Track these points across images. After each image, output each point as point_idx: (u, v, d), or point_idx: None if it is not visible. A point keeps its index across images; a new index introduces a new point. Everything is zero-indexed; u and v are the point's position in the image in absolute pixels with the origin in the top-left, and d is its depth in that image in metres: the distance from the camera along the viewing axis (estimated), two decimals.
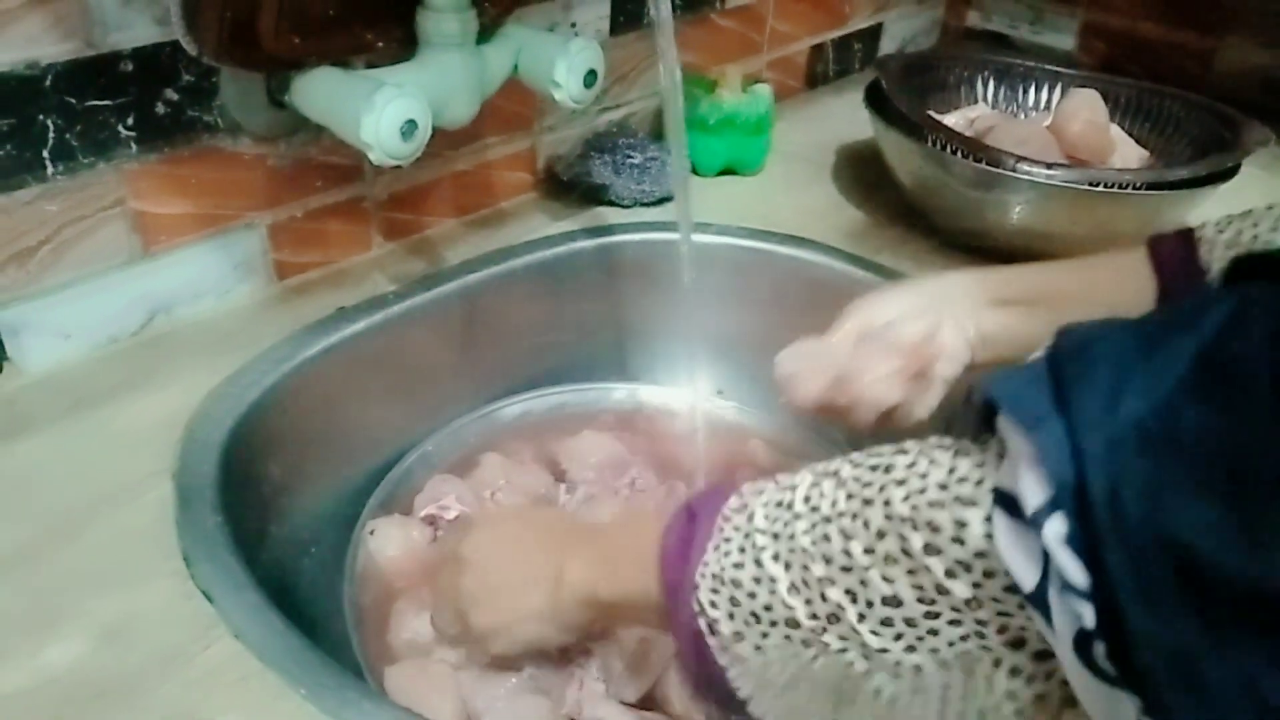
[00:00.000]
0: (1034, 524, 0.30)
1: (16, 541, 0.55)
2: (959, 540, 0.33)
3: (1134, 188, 0.82)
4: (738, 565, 0.41)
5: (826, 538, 0.38)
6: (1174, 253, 0.58)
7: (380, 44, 0.70)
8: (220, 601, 0.52)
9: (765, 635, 0.40)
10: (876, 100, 0.94)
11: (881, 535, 0.36)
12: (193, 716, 0.47)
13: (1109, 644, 0.29)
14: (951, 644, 0.36)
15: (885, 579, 0.36)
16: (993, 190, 0.84)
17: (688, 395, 0.89)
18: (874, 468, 0.38)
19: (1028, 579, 0.31)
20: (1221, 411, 0.27)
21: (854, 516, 0.37)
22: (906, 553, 0.35)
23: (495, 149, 0.89)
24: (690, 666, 0.44)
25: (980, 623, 0.35)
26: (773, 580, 0.39)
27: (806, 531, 0.39)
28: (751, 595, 0.40)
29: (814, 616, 0.38)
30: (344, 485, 0.76)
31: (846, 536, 0.37)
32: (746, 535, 0.41)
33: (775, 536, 0.40)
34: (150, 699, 0.47)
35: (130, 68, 0.63)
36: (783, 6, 1.12)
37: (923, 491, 0.35)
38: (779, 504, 0.41)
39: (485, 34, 0.71)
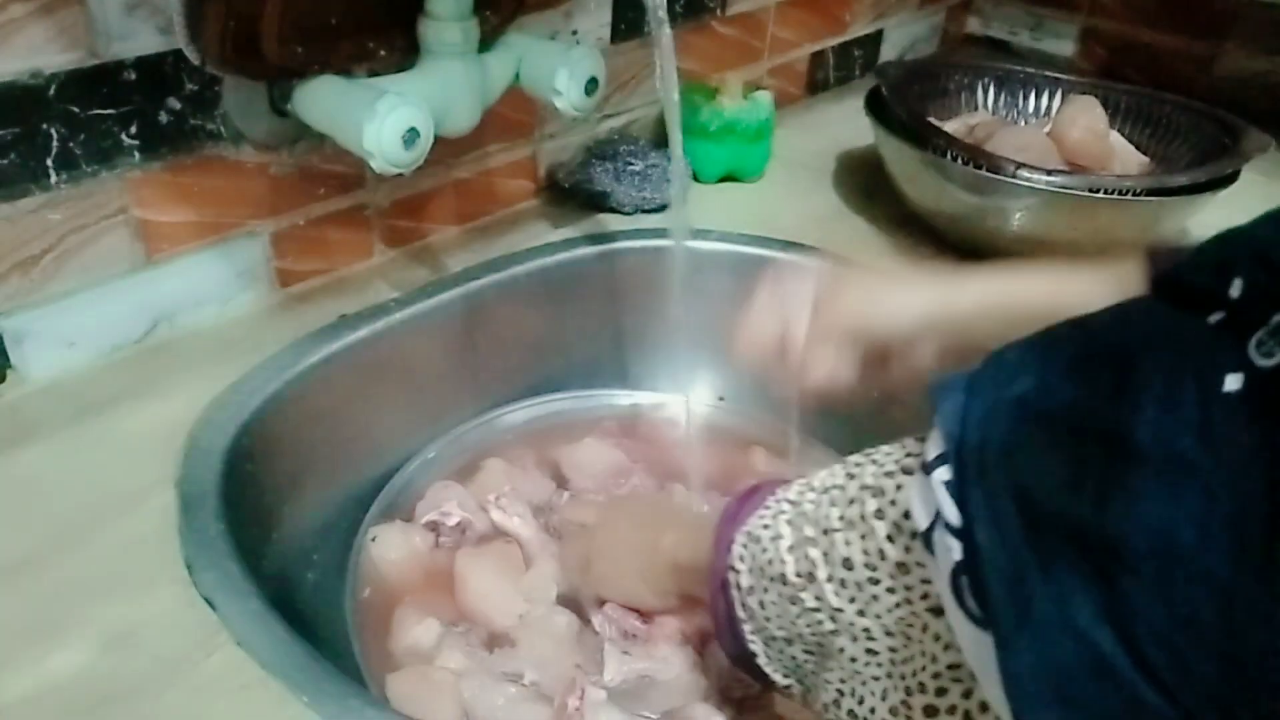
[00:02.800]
0: (926, 472, 0.36)
1: (20, 549, 0.55)
2: (895, 503, 0.39)
3: (1134, 194, 0.82)
4: (765, 526, 0.47)
5: (818, 505, 0.44)
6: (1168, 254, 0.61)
7: (382, 53, 0.70)
8: (223, 609, 0.52)
9: (766, 590, 0.46)
10: (877, 107, 0.95)
11: (851, 502, 0.42)
12: None
13: (970, 577, 0.33)
14: (890, 610, 0.40)
15: (846, 542, 0.41)
16: (993, 196, 0.84)
17: (688, 402, 0.89)
18: (868, 453, 0.44)
19: (921, 520, 0.37)
20: (1082, 388, 0.32)
21: (841, 488, 0.43)
22: (862, 517, 0.41)
23: (497, 156, 0.89)
24: (719, 614, 0.49)
25: (908, 588, 0.39)
26: (778, 538, 0.45)
27: (812, 501, 0.45)
28: (764, 550, 0.46)
29: (798, 575, 0.44)
30: (346, 492, 0.76)
31: (832, 503, 0.43)
32: (779, 501, 0.47)
33: (793, 504, 0.46)
34: (153, 707, 0.48)
35: (133, 77, 0.63)
36: (784, 13, 1.13)
37: (882, 465, 0.41)
38: (809, 484, 0.47)
39: (487, 42, 0.71)
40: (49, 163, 0.62)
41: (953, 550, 0.34)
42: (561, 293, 0.87)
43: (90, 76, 0.61)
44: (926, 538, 0.36)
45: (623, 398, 0.91)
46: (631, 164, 0.92)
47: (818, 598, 0.43)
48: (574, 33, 0.89)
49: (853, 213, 0.98)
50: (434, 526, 0.73)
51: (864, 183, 1.02)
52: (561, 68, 0.71)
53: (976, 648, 0.34)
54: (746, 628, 0.48)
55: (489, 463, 0.79)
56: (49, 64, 0.59)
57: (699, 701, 0.61)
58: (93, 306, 0.68)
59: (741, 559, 0.48)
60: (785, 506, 0.47)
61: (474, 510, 0.74)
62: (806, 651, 0.46)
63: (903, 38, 1.35)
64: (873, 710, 0.43)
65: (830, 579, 0.42)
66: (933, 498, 0.35)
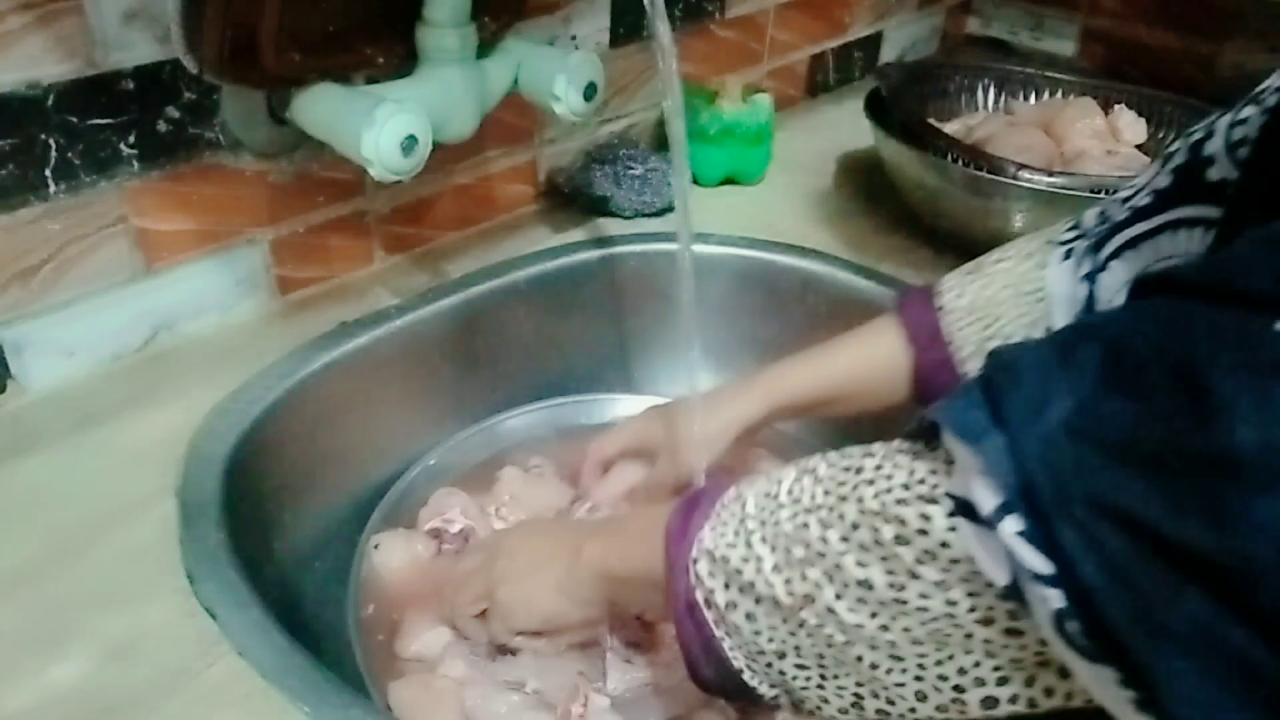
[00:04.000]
0: (991, 527, 0.34)
1: (21, 560, 0.55)
2: (924, 532, 0.38)
3: None
4: (730, 545, 0.45)
5: (805, 526, 0.43)
6: (920, 317, 0.64)
7: (380, 60, 0.70)
8: (224, 619, 0.52)
9: (758, 601, 0.44)
10: (877, 109, 0.94)
11: (856, 527, 0.40)
12: None
13: (1081, 621, 0.31)
14: (924, 624, 0.39)
15: (859, 564, 0.40)
16: (994, 198, 0.84)
17: (694, 404, 0.88)
18: (846, 468, 0.43)
19: (1000, 576, 0.34)
20: (1131, 401, 0.31)
21: (830, 509, 0.42)
22: (879, 543, 0.39)
23: (496, 162, 0.89)
24: (689, 636, 0.47)
25: (951, 603, 0.38)
26: (759, 559, 0.44)
27: (789, 519, 0.43)
28: (739, 571, 0.45)
29: (791, 595, 0.43)
30: (347, 500, 0.76)
31: (824, 526, 0.42)
32: (741, 520, 0.46)
33: (763, 523, 0.45)
34: (154, 717, 0.47)
35: (131, 86, 0.63)
36: (783, 16, 1.12)
37: (889, 491, 0.39)
38: (767, 494, 0.46)
39: (485, 48, 0.71)
40: (48, 173, 0.62)
41: (1050, 599, 0.32)
42: (562, 297, 0.87)
43: (88, 86, 0.61)
44: (1007, 593, 0.34)
45: (626, 402, 0.91)
46: (631, 168, 0.92)
47: (822, 614, 0.42)
48: (573, 38, 0.89)
49: (853, 215, 0.97)
50: (436, 534, 0.73)
51: (864, 185, 1.02)
52: (560, 73, 0.71)
53: (1098, 677, 0.32)
54: (726, 644, 0.46)
55: (505, 471, 0.79)
56: (47, 74, 0.60)
57: (703, 709, 0.60)
58: (92, 316, 0.67)
59: (711, 575, 0.46)
60: (752, 525, 0.45)
61: (477, 517, 0.74)
62: (800, 666, 0.44)
63: (902, 39, 1.34)
64: (912, 710, 0.42)
65: (841, 597, 0.41)
66: (1001, 551, 0.34)
